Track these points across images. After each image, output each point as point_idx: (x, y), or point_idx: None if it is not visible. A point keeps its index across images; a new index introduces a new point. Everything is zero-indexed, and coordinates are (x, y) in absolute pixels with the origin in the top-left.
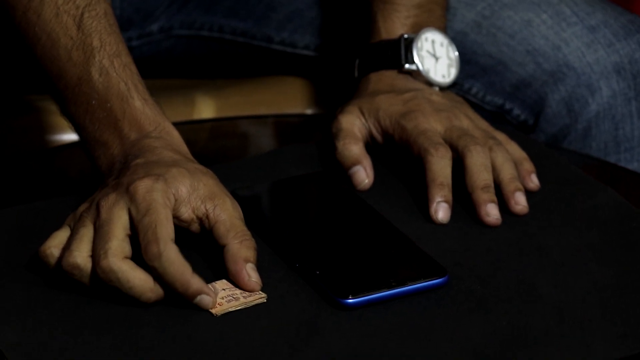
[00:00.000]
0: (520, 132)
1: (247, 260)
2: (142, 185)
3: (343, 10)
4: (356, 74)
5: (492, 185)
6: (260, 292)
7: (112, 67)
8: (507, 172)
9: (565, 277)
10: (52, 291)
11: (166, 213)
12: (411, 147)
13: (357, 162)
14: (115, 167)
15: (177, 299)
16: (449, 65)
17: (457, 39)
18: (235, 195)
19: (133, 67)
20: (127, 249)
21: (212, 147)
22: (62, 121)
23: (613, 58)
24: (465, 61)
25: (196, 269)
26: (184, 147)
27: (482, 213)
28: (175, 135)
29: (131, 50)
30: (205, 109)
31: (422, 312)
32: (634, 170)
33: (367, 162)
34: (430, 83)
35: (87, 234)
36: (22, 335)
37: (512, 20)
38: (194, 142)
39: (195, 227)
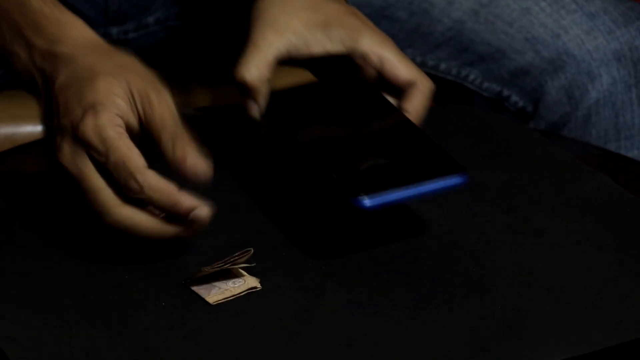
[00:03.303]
0: (513, 120)
1: (183, 160)
2: (88, 128)
3: None
4: None
5: None
6: (254, 278)
7: None
8: None
9: (561, 260)
10: (47, 283)
11: (125, 143)
12: (397, 71)
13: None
14: (35, 78)
15: (172, 291)
16: None
17: (455, 27)
18: None
19: None
20: (117, 192)
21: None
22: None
23: (613, 45)
24: (463, 49)
25: None
26: (90, 34)
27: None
28: (79, 26)
29: (128, 42)
30: (201, 97)
31: (417, 296)
32: (634, 158)
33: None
34: None
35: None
36: (18, 327)
37: (511, 8)
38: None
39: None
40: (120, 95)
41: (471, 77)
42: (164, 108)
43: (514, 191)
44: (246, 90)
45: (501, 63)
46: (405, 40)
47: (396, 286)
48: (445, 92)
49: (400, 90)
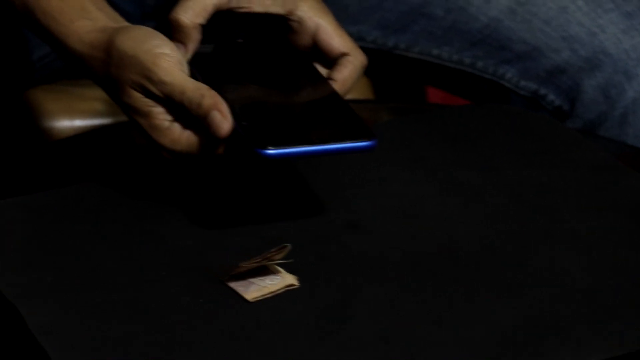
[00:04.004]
0: (553, 119)
1: (208, 118)
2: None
3: None
4: None
5: None
6: (292, 276)
7: None
8: None
9: (597, 261)
10: (83, 275)
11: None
12: (331, 40)
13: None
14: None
15: (210, 288)
16: None
17: (491, 26)
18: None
19: None
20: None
21: None
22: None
23: None
24: (500, 47)
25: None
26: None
27: None
28: (67, 23)
29: None
30: None
31: (451, 296)
32: None
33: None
34: None
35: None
36: (53, 319)
37: (547, 6)
38: None
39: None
40: (133, 84)
41: (508, 75)
42: (169, 73)
43: (550, 191)
44: (178, 32)
45: (538, 61)
46: (442, 37)
47: (431, 286)
48: (482, 90)
49: (332, 61)
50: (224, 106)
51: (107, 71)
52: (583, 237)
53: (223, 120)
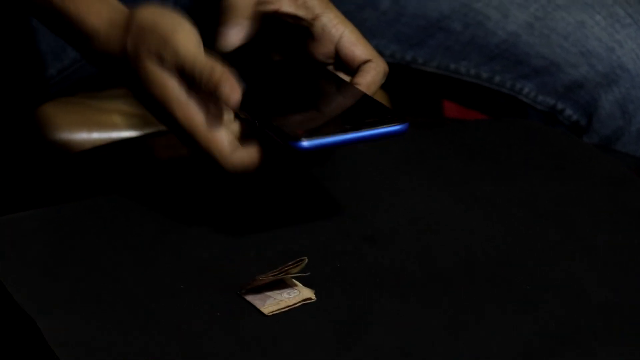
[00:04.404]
0: (570, 134)
1: (217, 91)
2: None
3: None
4: None
5: None
6: (309, 289)
7: None
8: None
9: (614, 276)
10: (100, 288)
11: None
12: (354, 48)
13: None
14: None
15: (227, 301)
16: None
17: (509, 40)
18: None
19: None
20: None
21: None
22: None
23: None
24: (518, 62)
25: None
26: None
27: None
28: (90, 21)
29: None
30: None
31: (468, 309)
32: None
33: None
34: None
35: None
36: (70, 331)
37: (566, 21)
38: None
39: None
40: (152, 68)
41: (525, 90)
42: (183, 48)
43: (567, 205)
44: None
45: (556, 76)
46: (460, 52)
47: (448, 299)
48: (499, 105)
49: (354, 70)
50: (233, 81)
51: (123, 46)
52: (600, 251)
53: (231, 93)
